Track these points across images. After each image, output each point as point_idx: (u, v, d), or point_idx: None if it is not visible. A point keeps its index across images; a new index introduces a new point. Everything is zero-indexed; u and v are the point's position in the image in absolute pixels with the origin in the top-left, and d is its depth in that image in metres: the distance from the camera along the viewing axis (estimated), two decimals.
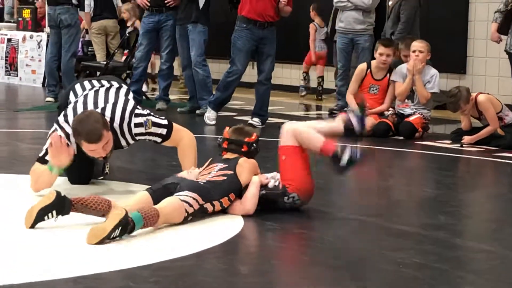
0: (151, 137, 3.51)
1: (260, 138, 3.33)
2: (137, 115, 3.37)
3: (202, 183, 2.96)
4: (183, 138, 3.57)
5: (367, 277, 2.45)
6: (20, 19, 9.99)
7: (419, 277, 2.40)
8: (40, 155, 3.43)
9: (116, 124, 3.30)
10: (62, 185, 3.47)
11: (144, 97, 7.35)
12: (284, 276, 2.50)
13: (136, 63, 7.11)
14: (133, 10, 8.53)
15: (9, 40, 9.74)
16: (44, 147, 3.40)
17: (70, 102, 3.48)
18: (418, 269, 2.48)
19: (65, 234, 2.80)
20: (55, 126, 3.42)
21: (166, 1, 6.61)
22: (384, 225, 3.11)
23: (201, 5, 6.43)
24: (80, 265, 2.40)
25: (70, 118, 3.35)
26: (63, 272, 2.33)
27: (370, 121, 5.46)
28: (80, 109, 3.33)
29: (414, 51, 5.64)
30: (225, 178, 2.99)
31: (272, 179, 3.11)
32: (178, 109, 6.86)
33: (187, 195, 2.83)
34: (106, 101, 3.36)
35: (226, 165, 3.05)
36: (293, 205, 3.08)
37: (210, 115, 6.05)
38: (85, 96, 3.43)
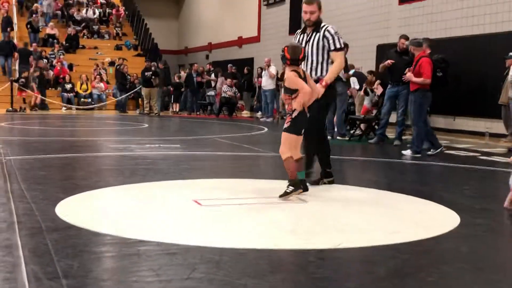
0: (334, 40, 5.76)
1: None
2: (332, 29, 5.81)
3: None
4: (339, 61, 5.77)
5: None
6: None
7: None
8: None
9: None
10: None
11: (387, 138, 11.24)
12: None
13: (382, 116, 11.08)
14: None
15: None
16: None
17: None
18: None
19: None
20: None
21: (402, 78, 9.76)
22: None
23: None
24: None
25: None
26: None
27: None
28: None
29: None
30: None
31: None
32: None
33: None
34: None
35: None
36: None
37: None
38: None
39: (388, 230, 4.16)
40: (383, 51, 13.34)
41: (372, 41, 16.49)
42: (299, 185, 5.12)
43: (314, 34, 5.86)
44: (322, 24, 5.88)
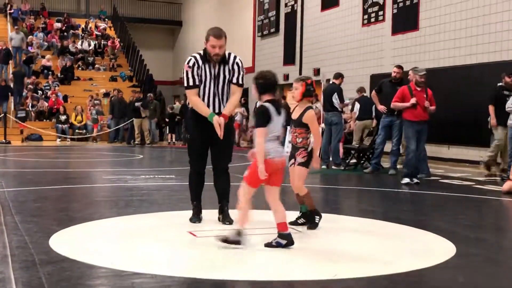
0: (239, 74, 5.32)
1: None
2: (240, 61, 5.34)
3: None
4: (239, 95, 5.36)
5: None
6: None
7: None
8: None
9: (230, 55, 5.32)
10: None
11: (382, 167, 11.26)
12: None
13: (376, 145, 11.11)
14: None
15: None
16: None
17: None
18: None
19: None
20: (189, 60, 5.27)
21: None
22: None
23: None
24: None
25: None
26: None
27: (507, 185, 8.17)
28: None
29: None
30: None
31: None
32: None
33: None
34: None
35: None
36: None
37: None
38: None
39: (384, 260, 4.15)
40: (376, 81, 13.45)
41: (366, 71, 16.64)
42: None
43: (222, 67, 5.37)
44: (228, 53, 5.39)
